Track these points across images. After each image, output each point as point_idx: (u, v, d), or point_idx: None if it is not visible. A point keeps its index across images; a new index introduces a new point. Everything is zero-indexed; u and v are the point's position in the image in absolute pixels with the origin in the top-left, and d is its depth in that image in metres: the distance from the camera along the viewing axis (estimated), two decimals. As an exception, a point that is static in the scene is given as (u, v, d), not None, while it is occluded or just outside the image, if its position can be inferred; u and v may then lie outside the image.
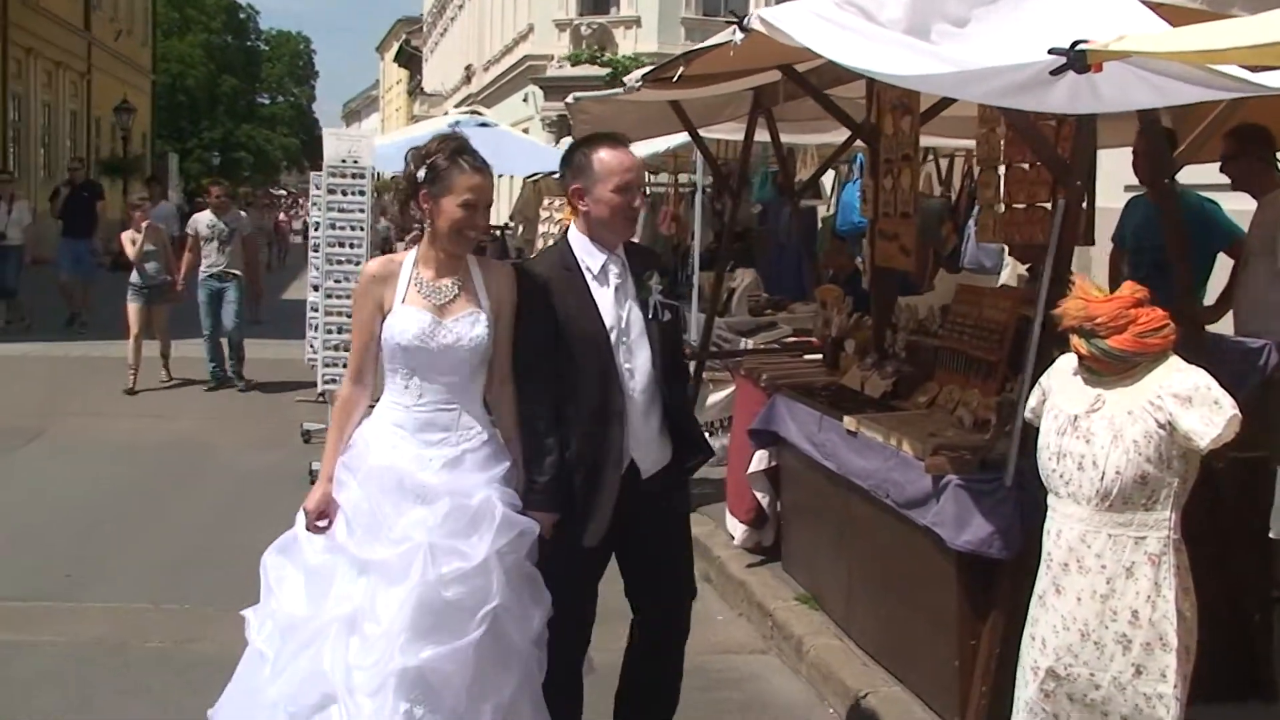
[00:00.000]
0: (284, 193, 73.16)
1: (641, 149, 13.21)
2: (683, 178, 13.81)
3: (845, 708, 5.40)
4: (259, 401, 13.25)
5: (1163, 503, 3.29)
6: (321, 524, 4.05)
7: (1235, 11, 4.76)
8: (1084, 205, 4.86)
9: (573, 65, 33.36)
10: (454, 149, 4.03)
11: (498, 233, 14.74)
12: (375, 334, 4.13)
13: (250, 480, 9.54)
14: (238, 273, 13.60)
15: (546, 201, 9.64)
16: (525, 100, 37.06)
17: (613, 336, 4.19)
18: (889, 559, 5.56)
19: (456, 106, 47.61)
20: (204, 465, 10.10)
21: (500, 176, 18.80)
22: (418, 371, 4.06)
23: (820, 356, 7.69)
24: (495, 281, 4.20)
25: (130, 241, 13.74)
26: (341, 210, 9.60)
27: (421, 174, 4.00)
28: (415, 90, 63.65)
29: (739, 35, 5.09)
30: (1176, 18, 4.22)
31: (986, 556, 4.59)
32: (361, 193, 9.68)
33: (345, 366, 9.18)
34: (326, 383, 9.81)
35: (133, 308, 13.54)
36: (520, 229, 15.47)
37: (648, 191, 14.92)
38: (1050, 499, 3.56)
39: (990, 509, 4.60)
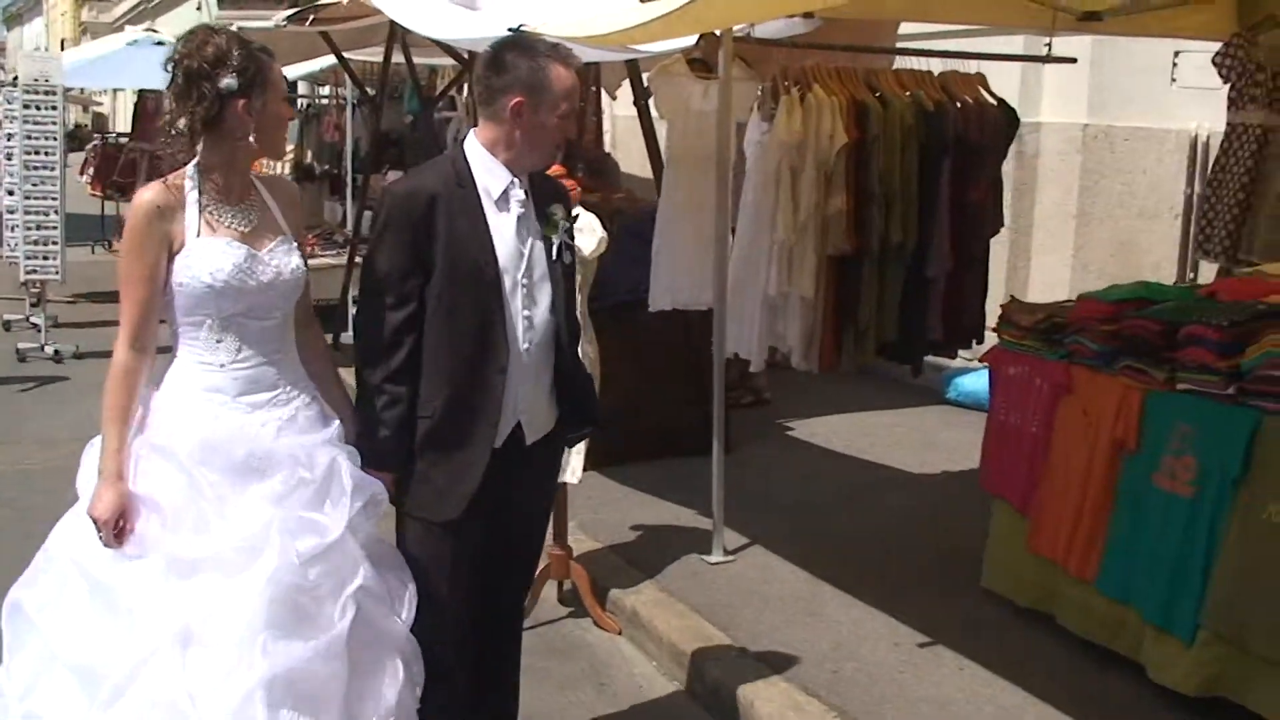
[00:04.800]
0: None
1: (306, 66, 15.04)
2: (342, 91, 15.63)
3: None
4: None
5: (576, 290, 5.47)
6: (122, 534, 3.19)
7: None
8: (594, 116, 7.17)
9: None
10: (245, 44, 3.31)
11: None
12: (162, 281, 3.28)
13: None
14: None
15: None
16: (199, 9, 36.88)
17: (509, 277, 3.57)
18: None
19: (127, 14, 46.95)
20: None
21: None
22: (232, 320, 3.31)
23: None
24: (285, 201, 3.54)
25: None
26: (37, 124, 11.11)
27: (232, 82, 3.22)
28: (83, -6, 61.77)
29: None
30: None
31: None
32: (54, 107, 11.20)
33: (50, 260, 11.06)
34: (29, 273, 11.36)
35: None
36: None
37: (310, 104, 16.72)
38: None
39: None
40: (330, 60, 12.95)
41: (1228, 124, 6.17)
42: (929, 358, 6.79)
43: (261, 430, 3.30)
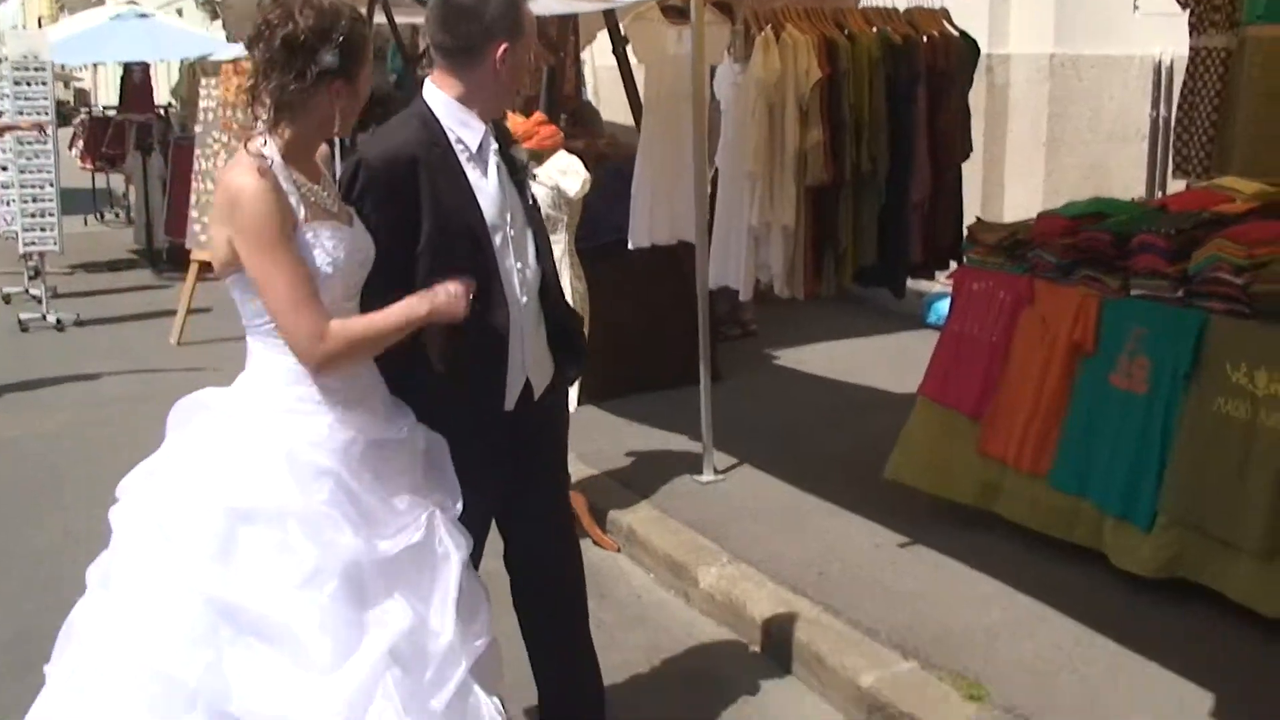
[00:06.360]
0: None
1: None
2: (326, 54, 15.85)
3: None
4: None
5: (562, 229, 5.74)
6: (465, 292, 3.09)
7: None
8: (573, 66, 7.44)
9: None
10: (348, 15, 3.03)
11: (162, 112, 16.40)
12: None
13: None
14: None
15: (204, 81, 11.43)
16: (182, -20, 36.96)
17: (498, 233, 3.38)
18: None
19: (105, -12, 46.89)
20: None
21: (162, 62, 20.18)
22: (337, 308, 3.03)
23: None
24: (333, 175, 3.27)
25: None
26: (28, 99, 11.34)
27: (333, 60, 2.92)
28: (57, -29, 61.35)
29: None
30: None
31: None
32: (44, 83, 11.44)
33: (48, 232, 11.26)
34: (27, 245, 11.59)
35: None
36: (179, 108, 17.05)
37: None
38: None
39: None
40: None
41: (1191, 48, 6.40)
42: (910, 283, 7.08)
43: (373, 418, 3.11)
